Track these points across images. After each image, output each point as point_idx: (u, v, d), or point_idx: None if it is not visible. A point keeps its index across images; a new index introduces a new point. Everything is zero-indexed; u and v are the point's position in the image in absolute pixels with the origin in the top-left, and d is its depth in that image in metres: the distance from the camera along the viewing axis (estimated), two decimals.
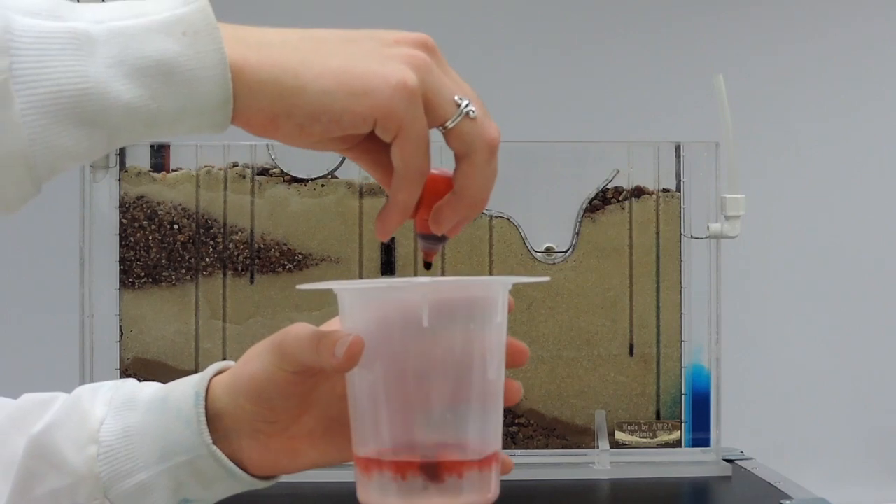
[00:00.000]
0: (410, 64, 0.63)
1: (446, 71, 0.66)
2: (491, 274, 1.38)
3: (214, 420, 0.74)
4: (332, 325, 0.74)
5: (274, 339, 0.72)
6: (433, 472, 0.66)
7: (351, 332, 0.67)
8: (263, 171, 1.39)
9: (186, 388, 0.75)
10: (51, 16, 0.58)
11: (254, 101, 0.61)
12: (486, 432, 0.68)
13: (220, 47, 0.60)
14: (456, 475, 0.66)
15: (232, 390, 0.74)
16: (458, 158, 0.66)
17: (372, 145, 0.66)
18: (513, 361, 0.71)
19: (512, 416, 1.40)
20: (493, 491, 0.68)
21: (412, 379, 0.67)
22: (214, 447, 0.73)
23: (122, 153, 1.38)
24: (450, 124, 0.64)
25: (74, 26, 0.58)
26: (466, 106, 0.65)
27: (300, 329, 0.71)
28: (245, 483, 0.75)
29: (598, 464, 1.39)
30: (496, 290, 0.68)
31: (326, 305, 1.36)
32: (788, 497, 1.26)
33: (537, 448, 1.41)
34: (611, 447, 1.39)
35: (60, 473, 0.74)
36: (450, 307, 0.67)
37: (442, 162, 0.69)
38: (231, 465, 0.74)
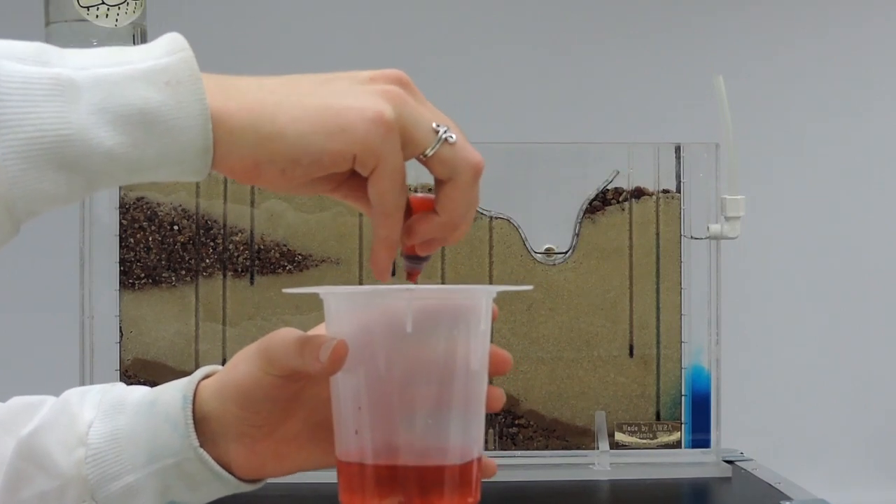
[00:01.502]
0: (385, 97, 0.63)
1: (422, 102, 0.66)
2: (491, 275, 1.38)
3: (202, 423, 0.74)
4: (319, 329, 0.74)
5: (260, 343, 0.73)
6: (414, 476, 0.66)
7: (336, 337, 0.68)
8: None
9: (174, 392, 0.76)
10: (37, 61, 0.59)
11: (234, 149, 0.62)
12: (468, 438, 0.68)
13: (202, 98, 0.61)
14: (437, 480, 0.66)
15: (219, 394, 0.74)
16: (442, 183, 0.66)
17: (356, 183, 0.66)
18: (496, 370, 0.71)
19: (512, 416, 1.40)
20: (475, 496, 0.68)
21: (395, 384, 0.67)
22: (201, 450, 0.74)
23: None
24: (429, 151, 0.64)
25: (59, 72, 0.59)
26: (445, 132, 0.65)
27: (285, 333, 0.71)
28: (231, 486, 0.75)
29: (598, 465, 1.39)
30: (480, 298, 0.69)
31: None
32: (788, 498, 1.26)
33: (537, 449, 1.41)
34: (611, 448, 1.39)
35: (48, 476, 0.75)
36: (434, 314, 0.67)
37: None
38: (218, 467, 0.74)
